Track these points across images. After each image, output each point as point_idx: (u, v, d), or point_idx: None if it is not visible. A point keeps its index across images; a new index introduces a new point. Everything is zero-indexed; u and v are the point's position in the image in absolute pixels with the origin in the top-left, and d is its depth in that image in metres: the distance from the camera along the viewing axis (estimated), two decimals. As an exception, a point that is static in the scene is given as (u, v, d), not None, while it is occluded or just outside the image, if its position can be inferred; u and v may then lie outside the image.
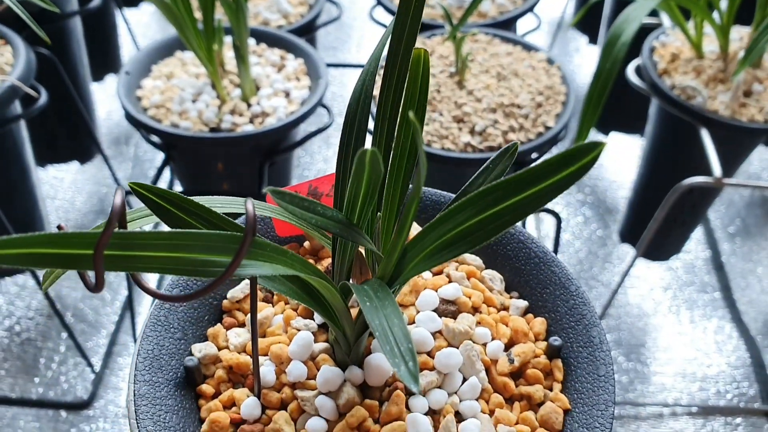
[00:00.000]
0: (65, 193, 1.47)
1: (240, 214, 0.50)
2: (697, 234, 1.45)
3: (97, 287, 0.35)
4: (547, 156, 1.01)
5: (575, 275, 1.42)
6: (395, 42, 0.46)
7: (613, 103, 1.15)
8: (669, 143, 1.15)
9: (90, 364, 1.20)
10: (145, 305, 1.30)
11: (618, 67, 0.91)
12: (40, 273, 1.29)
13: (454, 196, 0.60)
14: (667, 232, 1.22)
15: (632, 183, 1.29)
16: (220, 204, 0.45)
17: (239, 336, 0.52)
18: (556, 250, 1.04)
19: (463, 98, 1.01)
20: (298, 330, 0.52)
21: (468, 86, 1.03)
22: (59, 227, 0.38)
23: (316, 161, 1.56)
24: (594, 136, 1.54)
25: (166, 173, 1.34)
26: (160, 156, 1.53)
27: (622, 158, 1.59)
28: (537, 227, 1.37)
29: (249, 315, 0.53)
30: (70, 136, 1.37)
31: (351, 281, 0.49)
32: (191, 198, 0.41)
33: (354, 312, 0.48)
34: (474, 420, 0.47)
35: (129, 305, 1.28)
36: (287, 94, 1.06)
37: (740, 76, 1.00)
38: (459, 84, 1.04)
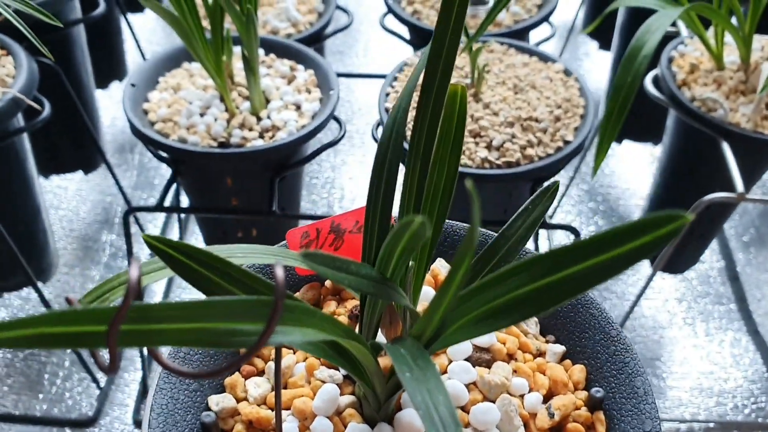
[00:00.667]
0: (69, 202, 1.45)
1: (263, 269, 0.48)
2: (712, 244, 1.42)
3: (111, 369, 0.32)
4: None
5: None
6: (429, 76, 0.43)
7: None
8: (688, 156, 1.12)
9: (95, 380, 1.18)
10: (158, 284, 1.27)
11: (639, 82, 0.88)
12: (41, 287, 1.26)
13: (486, 231, 0.58)
14: (683, 245, 1.19)
15: (648, 194, 1.26)
16: (240, 253, 0.42)
17: (259, 387, 0.50)
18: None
19: (480, 112, 0.98)
20: (323, 382, 0.49)
21: (484, 99, 1.00)
22: (68, 300, 0.36)
23: (324, 169, 1.53)
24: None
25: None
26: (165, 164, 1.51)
27: (635, 166, 1.57)
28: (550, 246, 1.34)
29: (269, 364, 0.51)
30: (73, 146, 1.34)
31: (380, 330, 0.46)
32: (209, 251, 0.38)
33: (383, 363, 0.45)
34: (512, 481, 0.45)
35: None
36: (298, 107, 1.03)
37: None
38: (475, 97, 1.01)
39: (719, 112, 1.01)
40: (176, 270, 0.39)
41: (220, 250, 0.41)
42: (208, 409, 0.49)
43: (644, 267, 1.36)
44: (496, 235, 0.56)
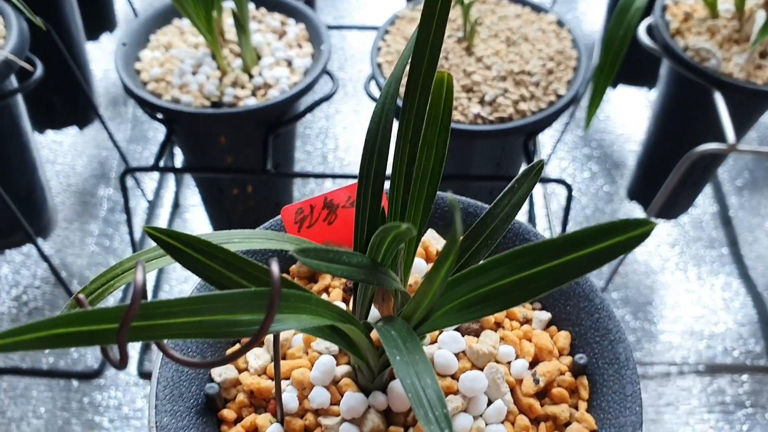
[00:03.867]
0: (65, 157, 1.45)
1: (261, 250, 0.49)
2: (705, 188, 1.43)
3: (121, 363, 0.34)
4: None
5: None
6: (416, 63, 0.43)
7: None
8: (681, 105, 1.12)
9: (99, 334, 1.20)
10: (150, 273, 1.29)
11: (632, 34, 0.88)
12: (42, 243, 1.28)
13: (477, 203, 0.59)
14: (676, 192, 1.20)
15: (642, 141, 1.27)
16: (238, 239, 0.43)
17: (259, 358, 0.51)
18: (565, 224, 1.03)
19: (473, 66, 0.98)
20: (320, 353, 0.51)
21: (477, 53, 1.00)
22: (78, 300, 0.37)
23: (318, 119, 1.53)
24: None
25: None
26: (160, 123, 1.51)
27: (629, 111, 1.57)
28: (546, 203, 1.35)
29: (268, 336, 0.53)
30: (67, 102, 1.34)
31: (374, 305, 0.47)
32: (208, 240, 0.39)
33: (376, 337, 0.47)
34: (500, 446, 0.47)
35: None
36: (289, 63, 1.03)
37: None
38: (467, 50, 1.01)
39: (712, 61, 1.01)
40: (177, 259, 0.40)
41: (218, 237, 0.43)
42: (212, 380, 0.51)
43: (637, 212, 1.38)
44: (486, 206, 0.57)
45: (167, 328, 0.34)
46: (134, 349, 1.20)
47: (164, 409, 0.47)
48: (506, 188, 0.45)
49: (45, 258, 1.16)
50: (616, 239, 0.31)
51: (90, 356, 1.19)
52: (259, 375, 0.51)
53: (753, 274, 1.31)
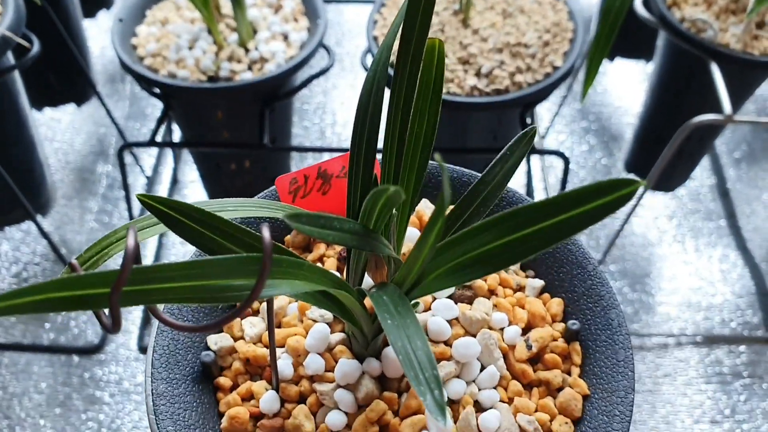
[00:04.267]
0: (63, 134, 1.45)
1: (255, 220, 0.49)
2: (703, 160, 1.43)
3: (114, 327, 0.34)
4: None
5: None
6: (407, 30, 0.43)
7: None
8: (677, 76, 1.12)
9: (100, 310, 1.21)
10: (149, 249, 1.30)
11: (628, 5, 0.88)
12: (41, 220, 1.28)
13: (471, 172, 0.59)
14: (673, 164, 1.20)
15: (639, 113, 1.27)
16: (231, 207, 0.44)
17: (254, 326, 0.52)
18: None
19: (469, 38, 0.98)
20: (314, 321, 0.51)
21: (473, 25, 1.00)
22: (71, 266, 0.37)
23: (315, 94, 1.53)
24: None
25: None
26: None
27: (627, 84, 1.57)
28: (543, 176, 1.35)
29: (263, 305, 0.53)
30: (64, 79, 1.34)
31: (367, 273, 0.48)
32: (202, 208, 0.40)
33: (369, 304, 0.47)
34: (494, 411, 0.47)
35: (134, 249, 1.28)
36: (285, 37, 1.02)
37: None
38: (463, 22, 1.00)
39: (709, 32, 1.01)
40: (170, 226, 0.40)
41: (211, 205, 0.43)
42: (208, 348, 0.52)
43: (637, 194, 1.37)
44: (479, 175, 0.58)
45: (160, 292, 0.34)
46: (134, 324, 1.21)
47: (160, 377, 0.48)
48: (498, 155, 0.46)
49: (44, 235, 1.17)
50: (607, 198, 0.32)
51: (90, 332, 1.20)
52: (255, 343, 0.52)
53: (750, 246, 1.31)
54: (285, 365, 0.50)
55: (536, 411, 0.49)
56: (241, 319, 0.53)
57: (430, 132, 0.45)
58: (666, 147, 0.99)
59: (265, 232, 0.34)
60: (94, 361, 1.17)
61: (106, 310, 0.34)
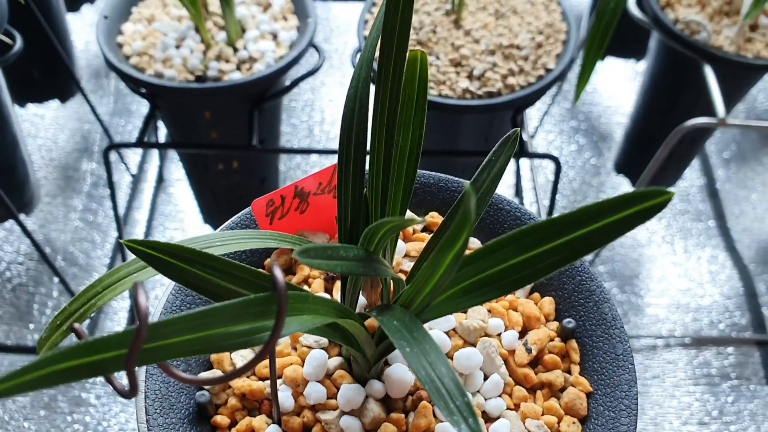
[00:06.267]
0: (47, 131, 1.43)
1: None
2: (692, 161, 1.43)
3: (131, 393, 0.32)
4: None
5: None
6: (386, 43, 0.42)
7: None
8: (670, 78, 1.12)
9: (84, 310, 1.19)
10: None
11: (622, 7, 0.87)
12: (25, 218, 1.26)
13: (455, 179, 0.58)
14: (663, 165, 1.20)
15: (629, 114, 1.26)
16: (219, 242, 0.42)
17: (245, 359, 0.50)
18: (554, 198, 1.02)
19: (461, 39, 0.97)
20: (309, 347, 0.50)
21: (465, 26, 0.98)
22: (76, 332, 0.36)
23: (304, 91, 1.51)
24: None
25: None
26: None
27: (616, 83, 1.56)
28: (532, 176, 1.34)
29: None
30: (48, 75, 1.31)
31: (362, 294, 0.47)
32: (189, 247, 0.38)
33: (368, 324, 0.46)
34: (503, 421, 0.47)
35: (119, 248, 1.26)
36: (275, 36, 1.01)
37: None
38: (455, 23, 0.99)
39: (702, 34, 1.00)
40: (161, 270, 0.38)
41: (198, 242, 0.41)
42: (201, 388, 0.50)
43: (624, 186, 1.37)
44: (467, 182, 0.57)
45: (173, 347, 0.32)
46: (119, 324, 1.19)
47: (156, 423, 0.46)
48: (483, 162, 0.45)
49: (28, 234, 1.14)
50: (634, 209, 0.31)
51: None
52: (248, 377, 0.50)
53: (739, 247, 1.31)
54: (285, 397, 0.48)
55: (543, 414, 0.48)
56: (230, 354, 0.51)
57: (416, 145, 0.44)
58: (659, 149, 0.99)
59: (277, 272, 0.32)
60: (78, 362, 1.16)
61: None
